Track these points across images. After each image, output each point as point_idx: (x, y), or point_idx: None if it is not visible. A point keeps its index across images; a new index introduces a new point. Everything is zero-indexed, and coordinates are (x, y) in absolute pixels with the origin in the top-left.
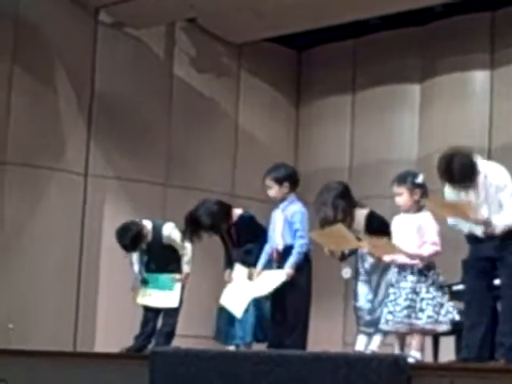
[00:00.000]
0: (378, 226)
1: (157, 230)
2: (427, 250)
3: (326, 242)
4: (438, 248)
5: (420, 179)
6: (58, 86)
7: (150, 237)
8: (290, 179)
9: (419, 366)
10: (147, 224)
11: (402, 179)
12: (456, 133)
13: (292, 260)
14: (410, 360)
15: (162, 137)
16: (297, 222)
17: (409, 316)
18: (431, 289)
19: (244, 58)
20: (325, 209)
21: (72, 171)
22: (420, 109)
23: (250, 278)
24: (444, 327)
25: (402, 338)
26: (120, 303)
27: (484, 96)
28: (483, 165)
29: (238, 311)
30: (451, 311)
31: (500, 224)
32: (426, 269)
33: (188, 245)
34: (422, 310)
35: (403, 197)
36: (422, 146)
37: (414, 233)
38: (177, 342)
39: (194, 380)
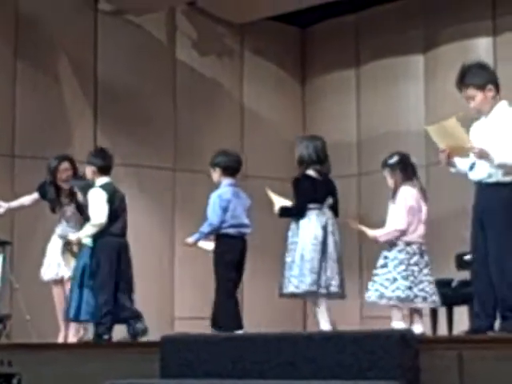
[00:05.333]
0: None
1: None
2: None
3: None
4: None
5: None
6: (61, 76)
7: None
8: (219, 165)
9: (427, 340)
10: None
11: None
12: (462, 100)
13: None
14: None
15: (168, 122)
16: (208, 206)
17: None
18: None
19: (247, 38)
20: None
21: (81, 161)
22: (425, 79)
23: None
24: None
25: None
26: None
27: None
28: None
29: None
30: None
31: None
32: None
33: None
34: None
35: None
36: (428, 116)
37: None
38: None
39: (205, 365)
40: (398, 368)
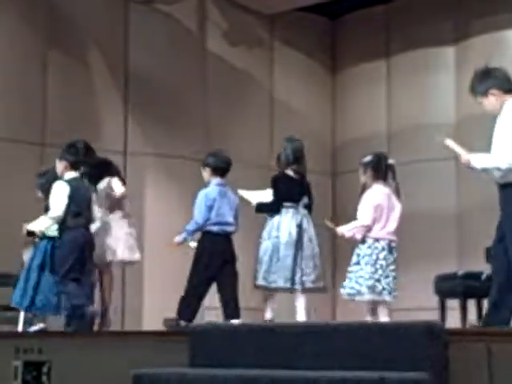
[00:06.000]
0: None
1: None
2: None
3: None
4: None
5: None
6: (92, 65)
7: None
8: (209, 165)
9: (455, 332)
10: None
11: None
12: None
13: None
14: None
15: (199, 112)
16: (195, 204)
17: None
18: None
19: (277, 29)
20: None
21: (111, 150)
22: (455, 70)
23: None
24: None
25: None
26: (165, 281)
27: None
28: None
29: None
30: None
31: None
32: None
33: None
34: None
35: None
36: (459, 109)
37: None
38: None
39: (233, 355)
40: (426, 359)
